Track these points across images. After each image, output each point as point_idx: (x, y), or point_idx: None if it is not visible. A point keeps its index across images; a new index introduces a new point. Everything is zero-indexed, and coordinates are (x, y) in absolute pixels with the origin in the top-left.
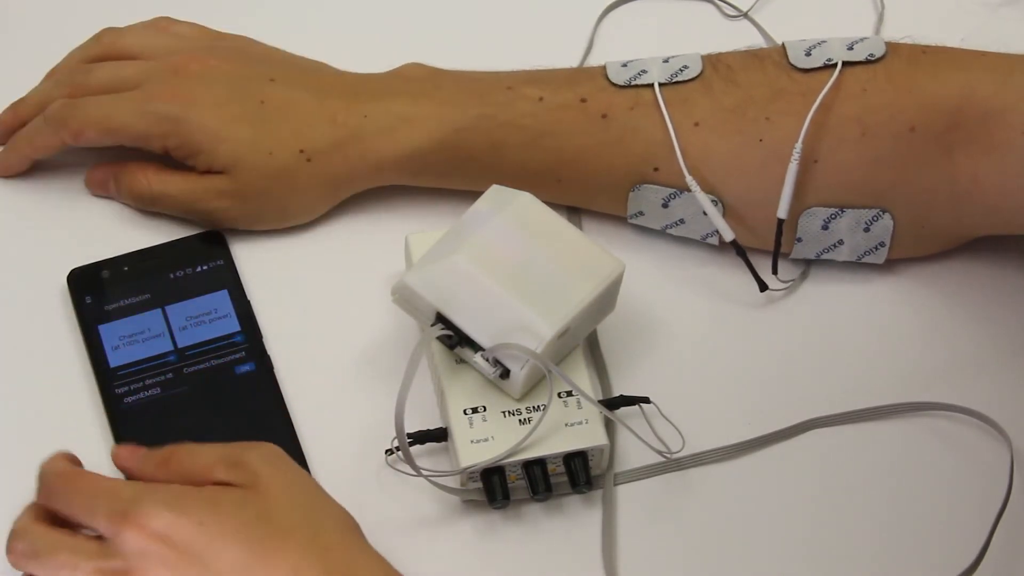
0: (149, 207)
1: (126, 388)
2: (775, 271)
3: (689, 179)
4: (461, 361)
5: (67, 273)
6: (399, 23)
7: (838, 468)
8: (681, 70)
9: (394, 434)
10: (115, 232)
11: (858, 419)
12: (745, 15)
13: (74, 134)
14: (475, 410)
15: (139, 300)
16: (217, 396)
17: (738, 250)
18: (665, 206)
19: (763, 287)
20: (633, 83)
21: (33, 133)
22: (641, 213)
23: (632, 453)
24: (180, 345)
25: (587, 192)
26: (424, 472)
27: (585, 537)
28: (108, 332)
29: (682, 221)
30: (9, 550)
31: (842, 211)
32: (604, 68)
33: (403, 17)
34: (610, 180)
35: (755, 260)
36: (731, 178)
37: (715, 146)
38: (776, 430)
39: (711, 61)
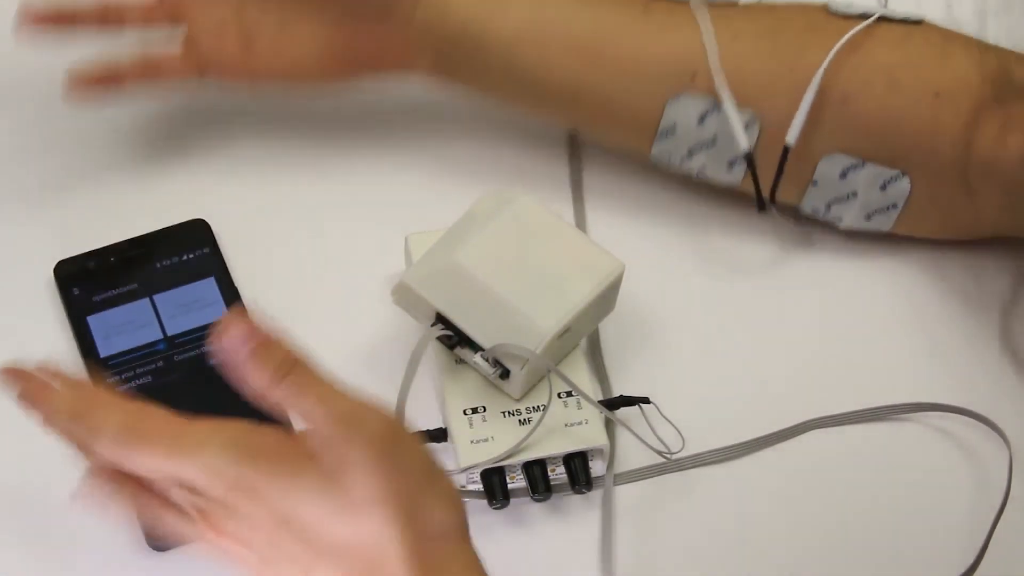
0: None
1: (117, 377)
2: (772, 199)
3: (722, 88)
4: (461, 361)
5: (54, 265)
6: None
7: (837, 469)
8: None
9: None
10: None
11: (857, 420)
12: None
13: None
14: (475, 410)
15: (127, 290)
16: (209, 382)
17: (749, 163)
18: (701, 122)
19: (761, 207)
20: None
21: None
22: (672, 132)
23: (632, 454)
24: (169, 333)
25: (619, 92)
26: None
27: (584, 538)
28: (97, 323)
29: (712, 144)
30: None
31: (863, 163)
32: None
33: None
34: (648, 72)
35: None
36: (762, 99)
37: (750, 63)
38: (775, 431)
39: None
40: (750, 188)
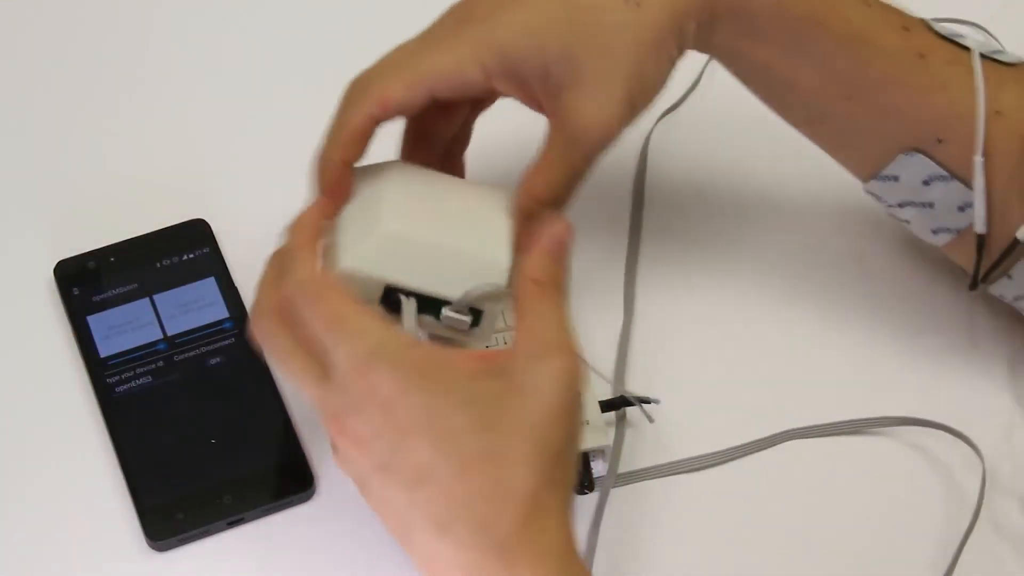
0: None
1: (117, 377)
2: (974, 285)
3: (978, 174)
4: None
5: (54, 265)
6: None
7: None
8: (998, 51)
9: None
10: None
11: (836, 432)
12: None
13: (381, 103)
14: None
15: (127, 290)
16: (209, 382)
17: (979, 245)
18: (926, 184)
19: (974, 287)
20: (954, 39)
21: (332, 126)
22: (894, 179)
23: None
24: (169, 333)
25: (860, 129)
26: None
27: (585, 538)
28: (97, 323)
29: (928, 206)
30: (250, 331)
31: None
32: (919, 17)
33: None
34: (892, 127)
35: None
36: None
37: (1006, 143)
38: (752, 440)
39: None
40: (950, 254)
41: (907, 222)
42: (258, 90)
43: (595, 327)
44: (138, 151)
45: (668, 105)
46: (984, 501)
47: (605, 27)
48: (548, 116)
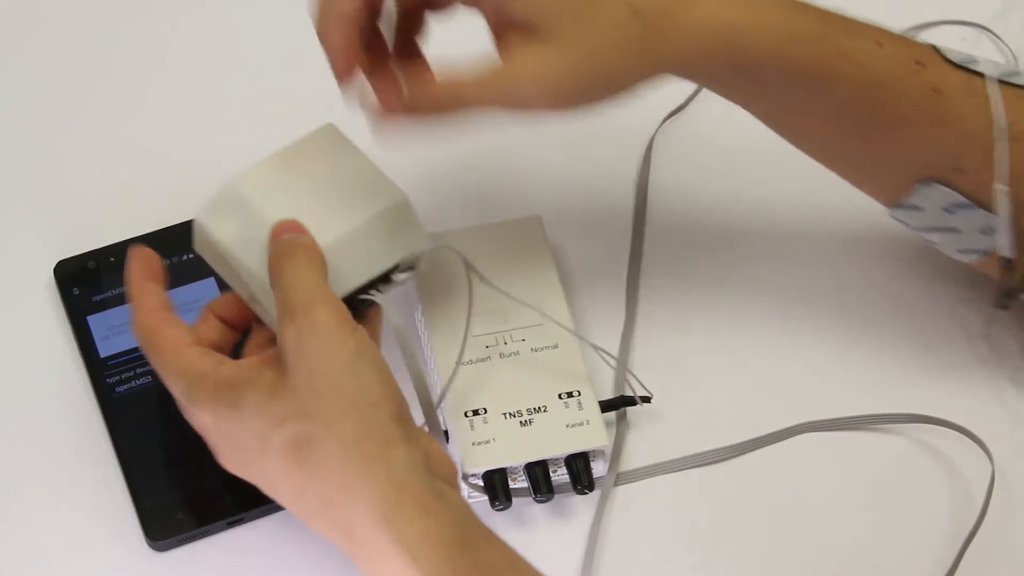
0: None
1: (117, 377)
2: (1003, 304)
3: (1000, 191)
4: (460, 362)
5: (54, 265)
6: None
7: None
8: (1013, 73)
9: None
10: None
11: (846, 427)
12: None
13: None
14: (476, 412)
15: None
16: None
17: (1005, 266)
18: (948, 212)
19: (1003, 307)
20: (968, 66)
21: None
22: (916, 208)
23: (632, 454)
24: None
25: (877, 164)
26: None
27: (583, 540)
28: (97, 322)
29: (953, 230)
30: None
31: None
32: (929, 44)
33: None
34: (909, 160)
35: None
36: None
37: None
38: (765, 434)
39: None
40: (980, 269)
41: (935, 243)
42: (258, 90)
43: (599, 326)
44: (138, 151)
45: (673, 107)
46: (992, 500)
47: (599, 13)
48: (495, 42)
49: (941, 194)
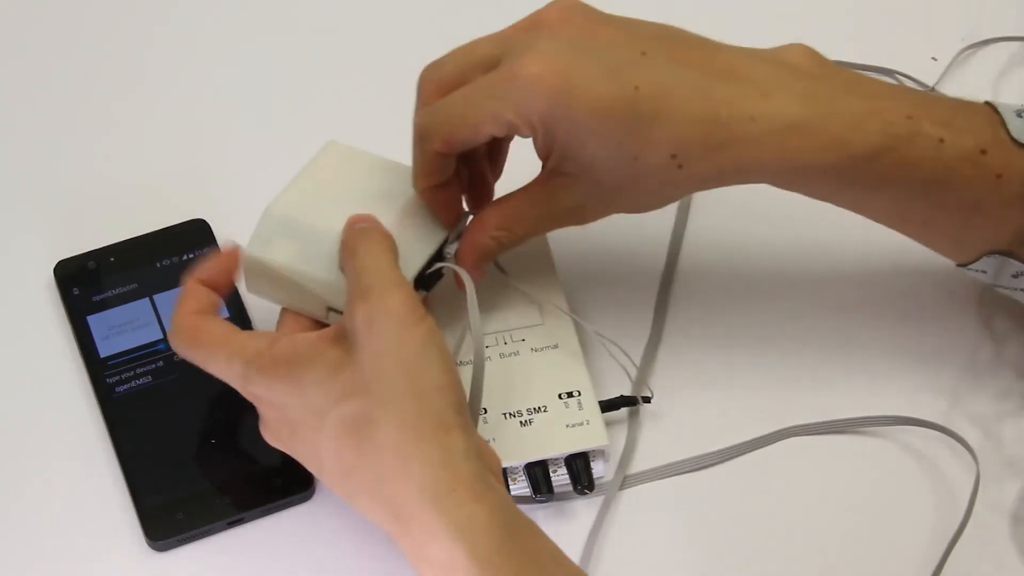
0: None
1: (117, 377)
2: None
3: None
4: (461, 363)
5: (54, 265)
6: None
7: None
8: None
9: None
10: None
11: (832, 430)
12: None
13: (444, 142)
14: None
15: (127, 290)
16: (209, 382)
17: None
18: (1016, 277)
19: None
20: None
21: (414, 160)
22: (984, 272)
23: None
24: None
25: (937, 241)
26: None
27: (582, 540)
28: (97, 322)
29: (1022, 291)
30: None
31: None
32: (999, 114)
33: None
34: (971, 238)
35: None
36: None
37: None
38: (752, 438)
39: None
40: None
41: (1011, 294)
42: (258, 90)
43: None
44: (138, 151)
45: None
46: (976, 502)
47: (641, 167)
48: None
49: (1008, 264)
